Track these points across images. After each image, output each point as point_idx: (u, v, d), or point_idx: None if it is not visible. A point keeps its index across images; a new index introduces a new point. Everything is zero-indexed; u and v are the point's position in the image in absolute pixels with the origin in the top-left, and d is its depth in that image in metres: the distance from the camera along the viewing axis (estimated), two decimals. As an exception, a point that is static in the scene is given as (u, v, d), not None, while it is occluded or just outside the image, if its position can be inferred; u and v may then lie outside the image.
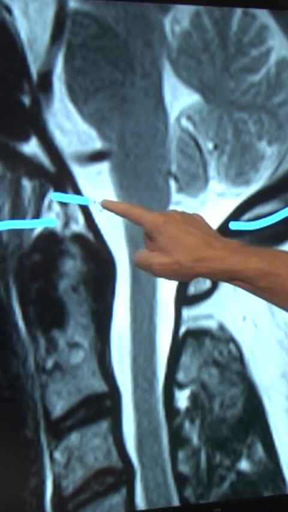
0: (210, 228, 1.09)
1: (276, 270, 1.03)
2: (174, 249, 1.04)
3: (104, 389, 1.48)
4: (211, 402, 1.54)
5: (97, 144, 1.47)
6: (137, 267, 1.08)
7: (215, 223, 1.54)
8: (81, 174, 1.46)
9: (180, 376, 1.52)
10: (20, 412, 1.44)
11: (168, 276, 1.07)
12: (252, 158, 1.54)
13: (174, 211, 1.08)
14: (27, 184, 1.43)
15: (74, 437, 1.46)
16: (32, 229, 1.44)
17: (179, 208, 1.50)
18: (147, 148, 1.49)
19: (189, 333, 1.53)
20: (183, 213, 1.08)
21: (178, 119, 1.50)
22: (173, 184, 1.51)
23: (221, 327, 1.54)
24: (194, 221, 1.07)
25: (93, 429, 1.47)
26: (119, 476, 1.49)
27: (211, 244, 1.04)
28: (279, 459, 1.58)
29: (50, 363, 1.45)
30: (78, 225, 1.46)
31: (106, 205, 1.11)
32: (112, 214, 1.46)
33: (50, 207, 1.44)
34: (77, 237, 1.46)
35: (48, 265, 1.45)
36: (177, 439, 1.52)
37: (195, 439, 1.53)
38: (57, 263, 1.45)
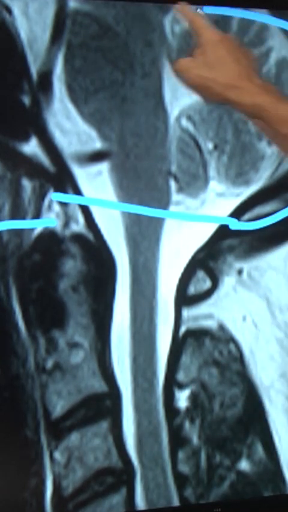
0: (255, 63, 1.11)
1: None
2: (218, 67, 1.07)
3: (104, 389, 1.48)
4: (211, 402, 1.54)
5: (97, 144, 1.47)
6: (174, 70, 1.12)
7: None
8: (81, 174, 1.46)
9: (180, 376, 1.52)
10: (20, 412, 1.44)
11: (199, 89, 1.10)
12: (252, 158, 1.54)
13: (234, 37, 1.13)
14: (27, 184, 1.43)
15: (74, 437, 1.46)
16: (32, 229, 1.44)
17: (180, 209, 1.51)
18: (147, 148, 1.49)
19: (189, 333, 1.53)
20: (239, 43, 1.12)
21: (178, 119, 1.50)
22: (173, 184, 1.51)
23: (221, 327, 1.54)
24: (245, 52, 1.11)
25: (93, 429, 1.47)
26: (119, 476, 1.49)
27: (251, 77, 1.08)
28: (279, 459, 1.58)
29: (50, 363, 1.45)
30: (78, 225, 1.46)
31: (178, 11, 1.15)
32: (112, 214, 1.47)
33: (50, 207, 1.44)
34: (77, 237, 1.46)
35: (48, 265, 1.45)
36: (177, 439, 1.52)
37: (195, 439, 1.53)
38: (57, 263, 1.45)
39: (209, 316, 1.54)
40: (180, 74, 1.11)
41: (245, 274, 1.56)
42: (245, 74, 1.08)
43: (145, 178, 1.49)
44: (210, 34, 1.10)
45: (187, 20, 1.13)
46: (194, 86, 1.10)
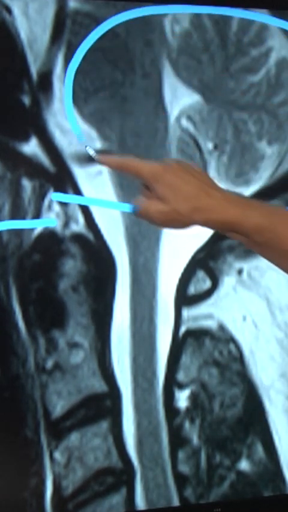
0: (209, 178, 1.07)
1: (274, 226, 1.03)
2: (172, 197, 1.03)
3: (104, 389, 1.48)
4: (211, 402, 1.54)
5: (97, 144, 1.47)
6: (137, 215, 1.08)
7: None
8: (81, 174, 1.46)
9: (180, 376, 1.52)
10: (20, 412, 1.43)
11: (167, 224, 1.07)
12: (252, 158, 1.54)
13: (172, 160, 1.07)
14: (27, 184, 1.43)
15: (74, 437, 1.46)
16: (32, 229, 1.44)
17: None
18: (147, 148, 1.49)
19: (189, 333, 1.52)
20: (181, 163, 1.07)
21: (178, 119, 1.50)
22: (173, 184, 1.50)
23: (221, 327, 1.54)
24: (193, 171, 1.07)
25: (93, 429, 1.47)
26: (119, 476, 1.49)
27: (210, 194, 1.04)
28: (279, 459, 1.58)
29: (50, 363, 1.45)
30: (78, 225, 1.46)
31: (101, 161, 1.10)
32: (112, 214, 1.47)
33: (50, 207, 1.44)
34: (77, 237, 1.46)
35: (48, 265, 1.45)
36: (177, 439, 1.52)
37: (195, 439, 1.53)
38: (57, 263, 1.45)
39: (209, 316, 1.54)
40: (144, 218, 1.07)
41: (245, 274, 1.56)
42: (201, 192, 1.03)
43: (145, 178, 1.48)
44: (150, 169, 1.05)
45: (118, 169, 1.08)
46: (161, 223, 1.06)
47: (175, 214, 1.04)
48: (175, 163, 1.06)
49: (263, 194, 1.55)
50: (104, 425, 1.48)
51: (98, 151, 1.11)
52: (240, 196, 1.05)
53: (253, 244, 1.05)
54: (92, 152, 1.11)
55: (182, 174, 1.04)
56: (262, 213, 1.03)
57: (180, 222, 1.05)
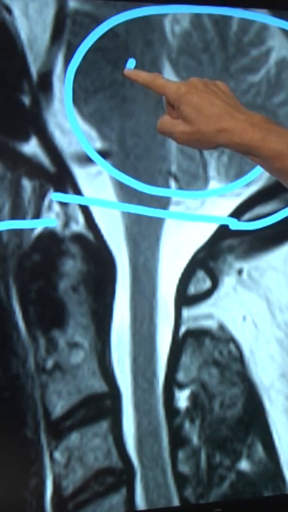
0: (233, 97, 1.07)
1: None
2: (196, 118, 1.04)
3: (104, 389, 1.48)
4: (211, 402, 1.54)
5: (97, 144, 1.47)
6: (160, 133, 1.08)
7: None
8: (81, 174, 1.46)
9: (180, 376, 1.52)
10: (20, 412, 1.43)
11: (190, 144, 1.07)
12: (252, 158, 1.54)
13: (197, 79, 1.08)
14: (27, 184, 1.43)
15: (74, 437, 1.46)
16: (32, 229, 1.44)
17: (180, 209, 1.51)
18: (148, 148, 1.49)
19: (189, 333, 1.52)
20: (206, 82, 1.07)
21: (178, 119, 1.50)
22: (173, 184, 1.50)
23: (221, 327, 1.54)
24: (218, 90, 1.07)
25: (93, 429, 1.47)
26: (119, 476, 1.49)
27: (233, 115, 1.04)
28: (279, 459, 1.58)
29: (50, 363, 1.45)
30: (78, 225, 1.46)
31: (128, 75, 1.11)
32: (112, 214, 1.47)
33: (50, 207, 1.44)
34: (77, 237, 1.46)
35: (48, 265, 1.45)
36: (177, 439, 1.52)
37: (195, 439, 1.53)
38: (57, 263, 1.45)
39: (209, 316, 1.54)
40: (166, 136, 1.07)
41: (245, 274, 1.56)
42: (225, 113, 1.03)
43: (145, 178, 1.48)
44: (175, 89, 1.05)
45: (145, 85, 1.08)
46: (185, 143, 1.06)
47: (198, 135, 1.04)
48: (201, 83, 1.06)
49: (263, 194, 1.55)
50: (104, 425, 1.48)
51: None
52: (266, 118, 1.05)
53: (273, 170, 1.06)
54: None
55: (207, 95, 1.05)
56: (283, 139, 1.03)
57: (204, 143, 1.05)
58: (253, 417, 1.56)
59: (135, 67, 1.47)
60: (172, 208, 1.50)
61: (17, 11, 1.42)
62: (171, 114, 1.06)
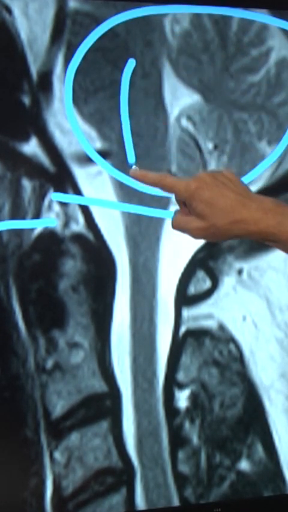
0: (243, 186, 1.08)
1: None
2: (209, 213, 1.04)
3: (104, 389, 1.48)
4: (211, 402, 1.54)
5: (97, 144, 1.47)
6: (174, 229, 1.09)
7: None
8: (81, 174, 1.46)
9: (180, 376, 1.52)
10: (20, 412, 1.43)
11: (207, 238, 1.08)
12: (253, 158, 1.54)
13: (205, 173, 1.08)
14: (27, 184, 1.43)
15: (74, 437, 1.46)
16: (32, 229, 1.43)
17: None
18: (147, 148, 1.49)
19: (189, 333, 1.52)
20: (214, 175, 1.08)
21: (178, 119, 1.50)
22: (173, 184, 1.50)
23: (221, 327, 1.54)
24: (227, 181, 1.07)
25: (93, 429, 1.47)
26: (119, 476, 1.49)
27: (246, 205, 1.04)
28: (279, 459, 1.58)
29: (50, 363, 1.45)
30: (78, 225, 1.46)
31: (136, 176, 1.11)
32: (112, 214, 1.47)
33: (50, 207, 1.44)
34: (77, 237, 1.46)
35: (48, 265, 1.45)
36: (177, 439, 1.52)
37: (195, 439, 1.53)
38: (57, 263, 1.45)
39: (209, 316, 1.54)
40: (181, 232, 1.08)
41: (245, 274, 1.55)
42: (237, 204, 1.04)
43: (145, 178, 1.48)
44: (185, 187, 1.05)
45: (153, 186, 1.09)
46: (202, 238, 1.08)
47: (214, 229, 1.05)
48: (209, 177, 1.07)
49: (263, 194, 1.55)
50: (104, 425, 1.48)
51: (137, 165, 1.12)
52: (276, 202, 1.06)
53: None
54: (134, 167, 1.12)
55: (217, 189, 1.05)
56: None
57: (220, 236, 1.06)
58: (253, 417, 1.56)
59: (136, 67, 1.47)
60: (172, 208, 1.50)
61: (17, 11, 1.42)
62: (183, 210, 1.07)
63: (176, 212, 1.09)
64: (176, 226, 1.08)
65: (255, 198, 1.06)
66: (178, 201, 1.09)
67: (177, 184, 1.07)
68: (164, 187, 1.08)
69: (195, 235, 1.07)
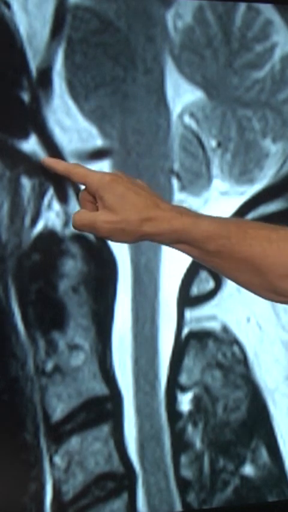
0: (156, 194, 1.08)
1: (227, 233, 1.02)
2: (121, 207, 1.03)
3: (105, 392, 1.48)
4: (214, 405, 1.54)
5: (98, 142, 1.46)
6: (76, 228, 1.06)
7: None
8: (82, 172, 1.46)
9: (183, 378, 1.52)
10: (20, 416, 1.43)
11: (113, 235, 1.05)
12: (257, 156, 1.54)
13: (120, 172, 1.08)
14: (26, 183, 1.43)
15: (74, 441, 1.46)
16: (31, 229, 1.43)
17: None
18: (149, 145, 1.49)
19: (192, 334, 1.52)
20: (128, 177, 1.07)
21: (181, 116, 1.51)
22: (175, 182, 1.50)
23: (225, 329, 1.54)
24: (141, 184, 1.07)
25: (94, 433, 1.47)
26: (120, 481, 1.49)
27: (159, 205, 1.04)
28: (283, 464, 1.58)
29: (49, 365, 1.44)
30: (79, 225, 1.46)
31: (48, 164, 1.10)
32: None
33: (49, 205, 1.45)
34: (77, 237, 1.46)
35: (48, 266, 1.45)
36: (180, 443, 1.52)
37: (198, 443, 1.53)
38: (57, 263, 1.45)
39: (212, 317, 1.54)
40: (85, 230, 1.06)
41: (249, 275, 1.55)
42: (151, 203, 1.03)
43: (147, 177, 1.49)
44: (98, 177, 1.05)
45: (65, 174, 1.07)
46: (108, 234, 1.05)
47: (124, 224, 1.03)
48: (124, 176, 1.07)
49: (267, 192, 1.55)
50: (105, 429, 1.47)
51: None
52: (192, 209, 1.07)
53: (206, 254, 1.05)
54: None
55: (131, 186, 1.05)
56: (214, 221, 1.04)
57: (129, 233, 1.05)
58: (257, 421, 1.56)
59: (137, 63, 1.47)
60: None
61: (16, 6, 1.41)
62: (86, 207, 1.05)
63: (78, 211, 1.06)
64: (78, 222, 1.05)
65: (168, 203, 1.06)
66: (84, 196, 1.06)
67: (91, 174, 1.06)
68: (76, 177, 1.07)
69: (102, 229, 1.04)
